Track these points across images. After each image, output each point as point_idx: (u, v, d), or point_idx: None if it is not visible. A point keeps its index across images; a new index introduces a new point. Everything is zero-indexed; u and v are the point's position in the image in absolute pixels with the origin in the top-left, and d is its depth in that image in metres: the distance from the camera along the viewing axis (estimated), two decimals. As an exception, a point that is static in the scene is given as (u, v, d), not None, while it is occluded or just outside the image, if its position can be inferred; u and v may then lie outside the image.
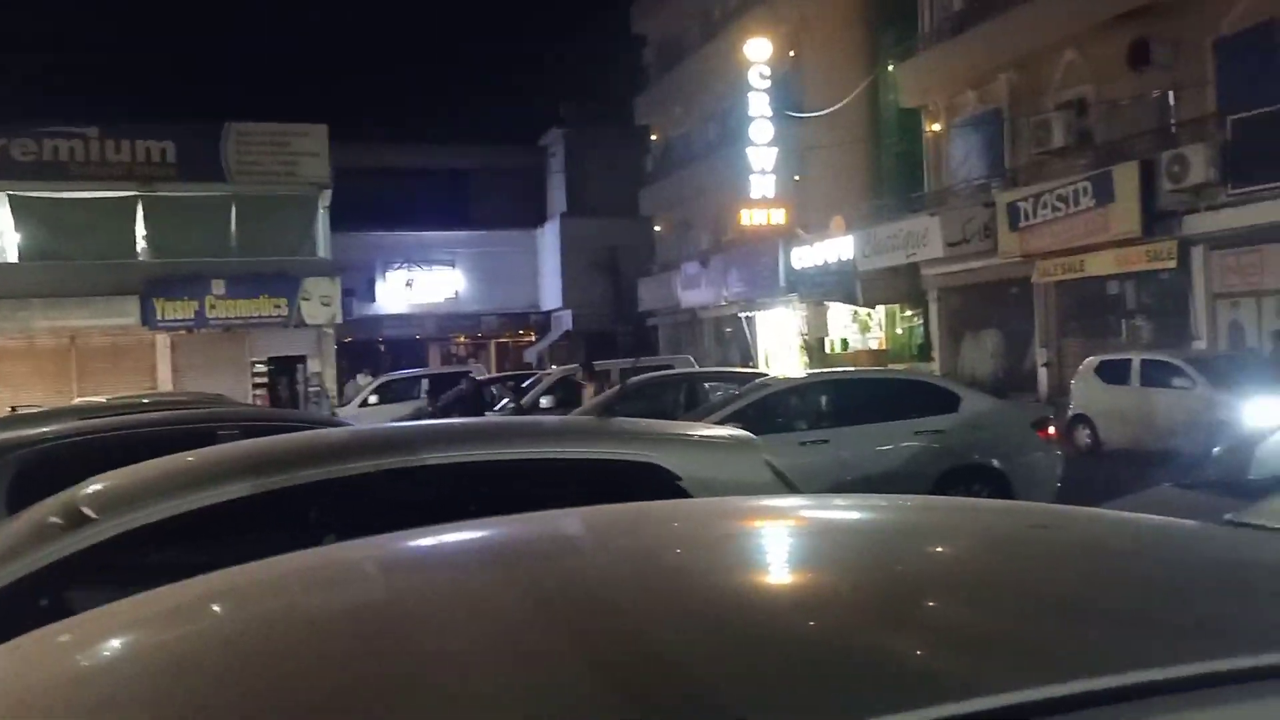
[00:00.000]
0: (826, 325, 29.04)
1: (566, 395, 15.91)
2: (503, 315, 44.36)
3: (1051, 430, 9.94)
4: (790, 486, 3.31)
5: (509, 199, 44.66)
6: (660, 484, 3.06)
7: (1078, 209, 18.24)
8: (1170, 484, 5.44)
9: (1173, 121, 17.87)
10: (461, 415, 15.09)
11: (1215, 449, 5.93)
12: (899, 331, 27.61)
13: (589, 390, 13.87)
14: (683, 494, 3.01)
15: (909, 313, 26.56)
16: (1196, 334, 17.02)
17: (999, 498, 9.63)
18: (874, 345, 28.16)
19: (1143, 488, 6.69)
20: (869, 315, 28.20)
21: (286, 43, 64.40)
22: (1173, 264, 17.21)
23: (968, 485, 9.70)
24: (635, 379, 13.74)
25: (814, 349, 29.14)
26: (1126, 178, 17.20)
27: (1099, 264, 18.63)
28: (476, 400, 16.83)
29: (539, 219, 45.09)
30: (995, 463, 9.73)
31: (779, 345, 31.01)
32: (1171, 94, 18.01)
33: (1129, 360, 15.16)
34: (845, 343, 28.86)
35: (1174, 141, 17.13)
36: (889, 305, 26.98)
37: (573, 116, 42.59)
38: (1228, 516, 1.59)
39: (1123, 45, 18.13)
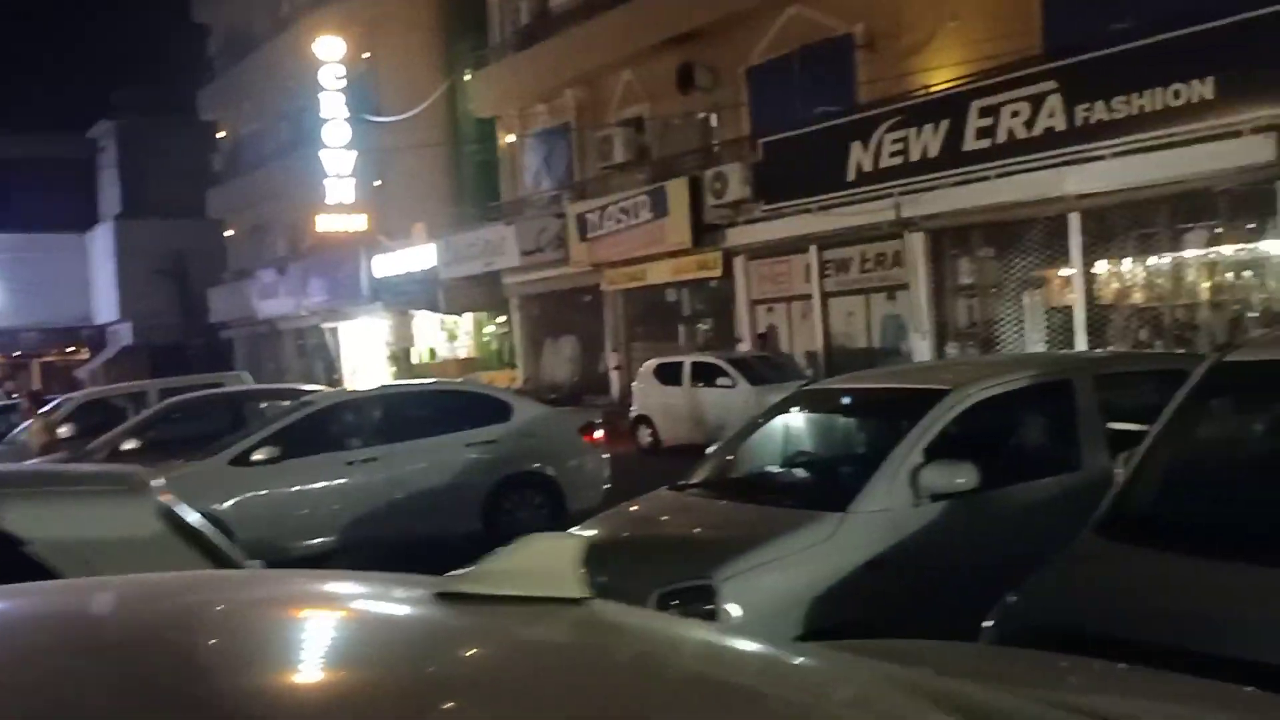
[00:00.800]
0: (413, 335, 28.61)
1: (103, 421, 14.10)
2: (48, 330, 39.16)
3: (598, 434, 10.25)
4: (193, 538, 2.86)
5: (52, 197, 39.45)
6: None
7: (638, 221, 19.30)
8: (667, 486, 5.63)
9: (715, 141, 19.47)
10: None
11: (709, 448, 6.25)
12: (486, 339, 27.83)
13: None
14: (30, 561, 2.47)
15: (498, 320, 26.83)
16: (741, 336, 18.62)
17: (551, 503, 9.78)
18: (462, 354, 28.18)
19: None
20: (456, 324, 28.16)
21: None
22: (719, 273, 18.72)
23: (520, 493, 9.79)
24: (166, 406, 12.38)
25: (401, 359, 28.61)
26: (678, 193, 18.45)
27: (658, 273, 19.85)
28: None
29: (90, 220, 40.26)
30: (546, 469, 9.88)
31: (366, 356, 30.10)
32: (714, 116, 19.62)
33: (681, 362, 16.23)
34: (433, 352, 28.61)
35: (717, 160, 18.63)
36: (474, 313, 27.09)
37: (127, 106, 38.48)
38: (443, 583, 1.34)
39: (671, 68, 19.50)
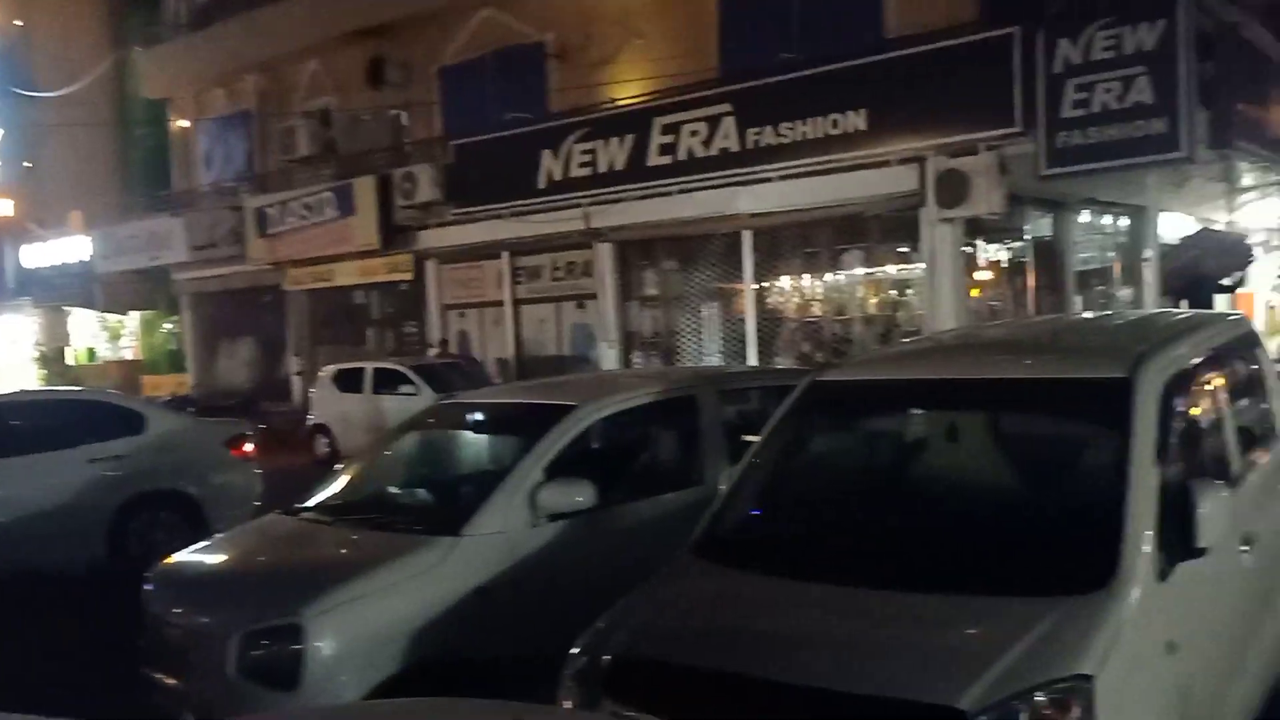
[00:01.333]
0: (68, 334, 25.79)
1: None
2: None
3: (248, 447, 9.46)
4: None
5: None
6: None
7: (323, 219, 18.32)
8: (279, 511, 5.15)
9: (406, 140, 18.82)
10: None
11: (337, 466, 5.81)
12: (158, 340, 25.54)
13: None
14: None
15: (172, 319, 24.65)
16: (432, 342, 18.08)
17: (189, 524, 8.89)
18: (127, 355, 25.74)
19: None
20: (120, 323, 25.66)
21: None
22: (410, 276, 18.10)
23: (155, 513, 8.85)
24: None
25: (53, 360, 25.70)
26: (365, 191, 17.65)
27: (345, 274, 18.94)
28: None
29: None
30: (185, 486, 8.99)
31: (10, 357, 26.79)
32: (405, 114, 18.97)
33: (362, 369, 15.49)
34: (92, 353, 25.94)
35: (407, 159, 17.99)
36: (142, 311, 24.78)
37: None
38: None
39: (362, 61, 18.64)
